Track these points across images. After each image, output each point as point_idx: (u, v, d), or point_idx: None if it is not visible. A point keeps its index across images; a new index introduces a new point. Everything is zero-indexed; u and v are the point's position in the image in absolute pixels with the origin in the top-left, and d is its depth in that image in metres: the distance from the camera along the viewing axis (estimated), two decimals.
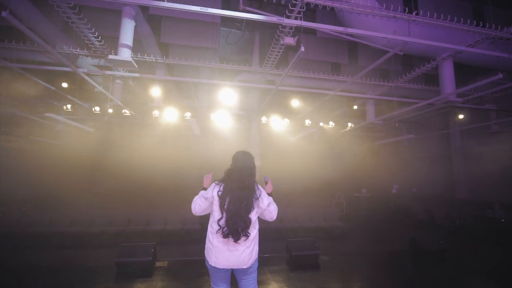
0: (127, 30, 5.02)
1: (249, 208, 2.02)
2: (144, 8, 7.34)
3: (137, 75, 6.87)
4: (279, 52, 5.82)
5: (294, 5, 4.23)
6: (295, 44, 4.93)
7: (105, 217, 6.81)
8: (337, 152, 9.14)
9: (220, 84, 7.14)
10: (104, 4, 5.70)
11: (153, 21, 8.37)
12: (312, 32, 8.91)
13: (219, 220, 2.00)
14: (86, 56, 5.81)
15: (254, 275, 2.15)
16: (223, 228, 1.97)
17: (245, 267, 2.01)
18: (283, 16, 4.41)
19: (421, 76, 8.76)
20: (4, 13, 3.25)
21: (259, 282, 3.77)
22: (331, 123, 9.53)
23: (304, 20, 4.42)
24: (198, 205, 2.14)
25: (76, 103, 7.48)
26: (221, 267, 1.98)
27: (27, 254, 5.00)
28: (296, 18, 4.49)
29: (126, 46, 4.98)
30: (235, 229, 1.95)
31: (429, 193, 8.76)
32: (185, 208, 6.96)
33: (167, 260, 4.39)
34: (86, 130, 8.44)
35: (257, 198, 2.09)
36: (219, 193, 2.05)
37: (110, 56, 4.83)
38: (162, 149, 8.67)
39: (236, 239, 1.95)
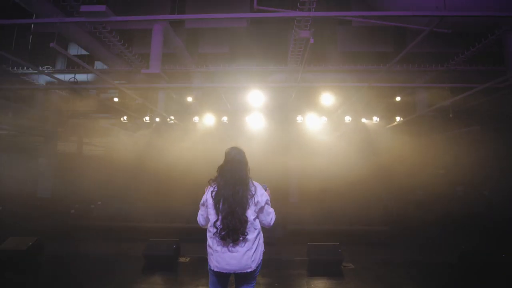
0: (156, 46, 5.54)
1: (244, 205, 1.90)
2: (180, 23, 8.03)
3: (174, 85, 7.47)
4: (300, 47, 5.63)
5: None
6: (310, 37, 4.71)
7: (168, 214, 7.53)
8: (383, 150, 8.25)
9: (249, 86, 7.23)
10: (133, 25, 6.38)
11: (191, 35, 9.08)
12: (347, 22, 8.35)
13: (215, 222, 1.90)
14: (128, 72, 6.63)
15: (255, 281, 2.02)
16: (219, 230, 1.85)
17: (249, 270, 1.86)
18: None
19: (488, 55, 7.28)
20: (52, 44, 3.97)
21: (268, 284, 3.70)
22: (375, 118, 8.70)
23: (338, 11, 4.18)
24: (201, 215, 2.05)
25: (130, 114, 8.58)
26: (223, 271, 1.86)
27: (88, 244, 5.92)
28: (309, 10, 4.30)
29: (156, 60, 5.49)
30: (231, 229, 1.83)
31: (508, 196, 7.14)
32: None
33: (191, 256, 4.67)
34: (141, 137, 9.62)
35: (252, 195, 1.95)
36: (213, 193, 1.96)
37: (142, 70, 5.43)
38: (203, 152, 9.22)
39: (234, 240, 1.83)
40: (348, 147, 8.58)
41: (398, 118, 8.44)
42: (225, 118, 9.12)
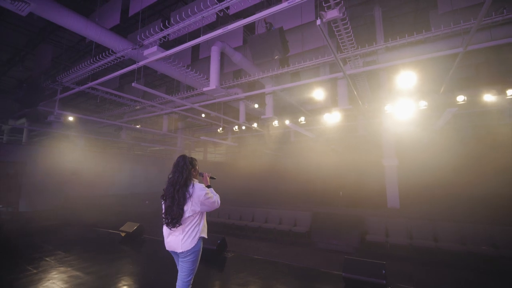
0: (214, 65, 6.35)
1: (181, 202, 2.34)
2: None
3: (247, 94, 8.14)
4: (348, 33, 4.82)
5: None
6: (341, 15, 4.04)
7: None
8: None
9: (310, 83, 6.84)
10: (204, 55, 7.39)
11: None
12: None
13: (162, 213, 2.47)
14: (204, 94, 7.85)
15: (187, 265, 2.41)
16: (164, 219, 2.42)
17: (178, 251, 2.38)
18: None
19: None
20: (133, 84, 5.48)
21: None
22: (511, 92, 5.95)
23: None
24: None
25: (221, 125, 10.06)
26: (167, 249, 2.47)
27: None
28: None
29: (215, 77, 6.31)
30: (169, 220, 2.36)
31: None
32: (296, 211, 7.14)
33: (235, 253, 4.98)
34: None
35: (190, 195, 2.37)
36: (163, 190, 2.51)
37: (204, 89, 6.38)
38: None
39: (170, 227, 2.37)
40: (463, 137, 6.30)
41: None
42: (302, 119, 8.94)
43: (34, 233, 6.52)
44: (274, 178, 9.46)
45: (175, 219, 2.33)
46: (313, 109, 8.72)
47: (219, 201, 2.53)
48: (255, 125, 9.71)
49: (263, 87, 8.60)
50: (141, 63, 5.49)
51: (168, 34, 5.10)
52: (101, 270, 4.11)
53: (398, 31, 7.47)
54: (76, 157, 10.00)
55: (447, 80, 5.83)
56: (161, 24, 5.66)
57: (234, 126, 10.25)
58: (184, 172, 2.43)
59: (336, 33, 4.96)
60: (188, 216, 2.36)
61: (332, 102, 8.08)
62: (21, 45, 9.67)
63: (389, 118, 7.89)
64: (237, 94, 8.26)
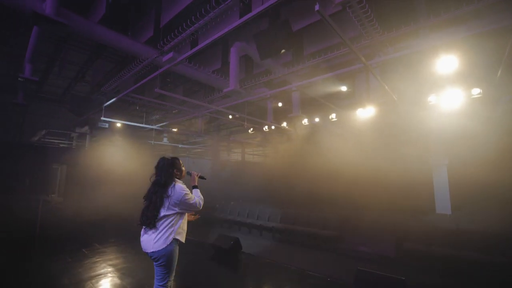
0: (233, 67, 6.36)
1: (158, 204, 2.34)
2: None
3: (273, 91, 7.98)
4: (369, 17, 4.30)
5: None
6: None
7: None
8: None
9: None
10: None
11: (296, 36, 9.24)
12: None
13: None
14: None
15: (160, 269, 2.34)
16: (140, 219, 2.42)
17: (148, 251, 2.32)
18: None
19: None
20: (156, 89, 5.82)
21: None
22: None
23: None
24: None
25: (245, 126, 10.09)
26: (142, 250, 2.41)
27: (214, 232, 7.61)
28: None
29: (234, 80, 6.32)
30: (144, 220, 2.36)
31: None
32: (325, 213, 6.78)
33: (252, 255, 4.86)
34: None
35: (168, 196, 2.35)
36: (144, 197, 2.51)
37: (224, 90, 6.45)
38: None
39: (146, 227, 2.36)
40: None
41: None
42: (333, 115, 8.38)
43: (82, 226, 7.44)
44: (303, 178, 9.07)
45: (149, 219, 2.32)
46: (346, 105, 8.08)
47: (202, 203, 2.46)
48: (284, 124, 9.46)
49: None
50: (161, 70, 5.81)
51: (194, 38, 5.18)
52: (123, 263, 4.45)
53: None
54: (124, 159, 11.14)
55: (504, 60, 4.81)
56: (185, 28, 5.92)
57: (263, 126, 10.15)
58: (163, 174, 2.43)
59: (354, 19, 4.49)
60: (163, 215, 2.32)
61: (367, 95, 7.39)
62: (82, 63, 11.21)
63: (435, 110, 6.89)
64: (263, 93, 8.16)
